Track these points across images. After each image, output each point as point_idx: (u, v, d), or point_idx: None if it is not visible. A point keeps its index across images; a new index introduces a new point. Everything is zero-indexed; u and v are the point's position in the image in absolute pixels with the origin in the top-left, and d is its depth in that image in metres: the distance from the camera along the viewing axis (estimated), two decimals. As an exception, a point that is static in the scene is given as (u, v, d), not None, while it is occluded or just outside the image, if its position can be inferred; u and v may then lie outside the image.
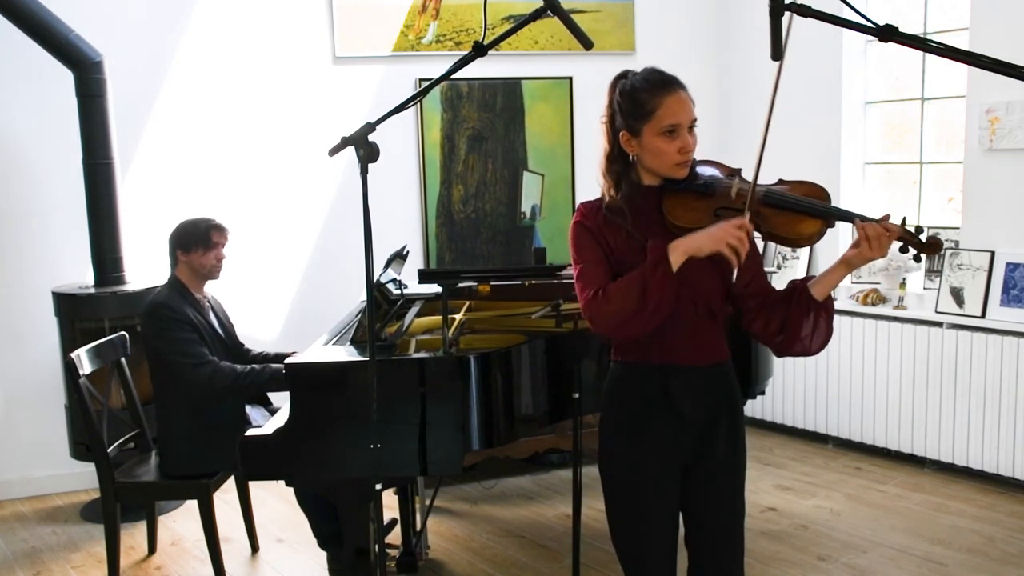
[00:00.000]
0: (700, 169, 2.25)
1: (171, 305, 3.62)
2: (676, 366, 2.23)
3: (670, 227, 2.17)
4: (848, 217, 2.17)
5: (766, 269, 4.66)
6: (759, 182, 2.18)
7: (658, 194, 2.21)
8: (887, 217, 2.12)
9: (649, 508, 2.27)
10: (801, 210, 2.17)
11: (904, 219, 2.15)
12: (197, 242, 3.71)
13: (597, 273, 2.17)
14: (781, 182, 2.26)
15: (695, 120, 2.19)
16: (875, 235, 2.09)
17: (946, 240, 4.90)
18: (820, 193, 2.22)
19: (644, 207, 2.20)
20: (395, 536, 3.92)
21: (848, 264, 2.16)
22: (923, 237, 2.14)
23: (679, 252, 2.08)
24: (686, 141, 2.16)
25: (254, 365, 3.67)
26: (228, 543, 4.05)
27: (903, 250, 2.17)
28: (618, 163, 2.23)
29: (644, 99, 2.15)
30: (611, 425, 2.31)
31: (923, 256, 2.18)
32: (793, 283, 2.24)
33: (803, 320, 2.19)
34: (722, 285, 2.24)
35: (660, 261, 2.08)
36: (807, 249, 5.40)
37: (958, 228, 4.83)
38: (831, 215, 2.18)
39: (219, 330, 3.82)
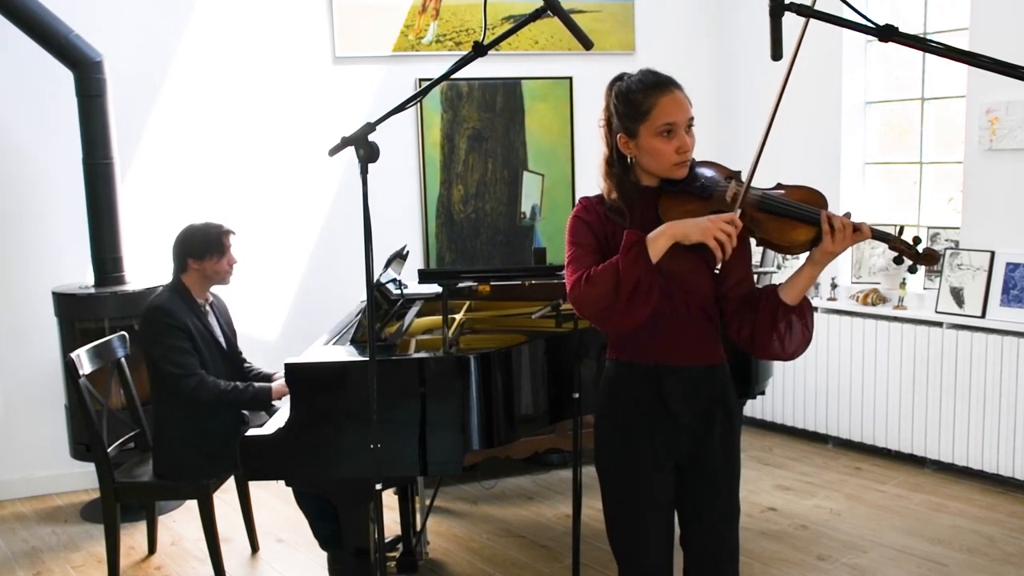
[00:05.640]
0: (699, 170, 2.22)
1: (170, 310, 3.58)
2: (669, 366, 2.23)
3: None
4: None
5: (766, 269, 4.71)
6: (757, 186, 2.16)
7: (656, 195, 2.21)
8: (849, 215, 2.10)
9: (644, 506, 2.27)
10: (795, 216, 2.13)
11: (901, 228, 2.10)
12: (211, 249, 3.66)
13: (587, 258, 2.16)
14: (779, 186, 2.22)
15: (692, 119, 2.17)
16: (839, 227, 2.06)
17: (946, 240, 4.90)
18: (817, 199, 2.17)
19: (642, 208, 2.19)
20: (395, 534, 3.92)
21: (813, 262, 2.13)
22: (920, 248, 2.10)
23: (666, 236, 2.07)
24: (683, 141, 2.15)
25: (238, 383, 3.62)
26: (228, 543, 4.05)
27: (898, 261, 2.12)
28: (617, 165, 2.22)
29: (639, 100, 2.15)
30: (606, 424, 2.31)
31: (919, 267, 2.14)
32: (763, 287, 2.22)
33: (768, 325, 2.16)
34: (713, 286, 2.23)
35: (633, 245, 2.07)
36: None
37: (958, 228, 4.82)
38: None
39: (219, 336, 3.78)
